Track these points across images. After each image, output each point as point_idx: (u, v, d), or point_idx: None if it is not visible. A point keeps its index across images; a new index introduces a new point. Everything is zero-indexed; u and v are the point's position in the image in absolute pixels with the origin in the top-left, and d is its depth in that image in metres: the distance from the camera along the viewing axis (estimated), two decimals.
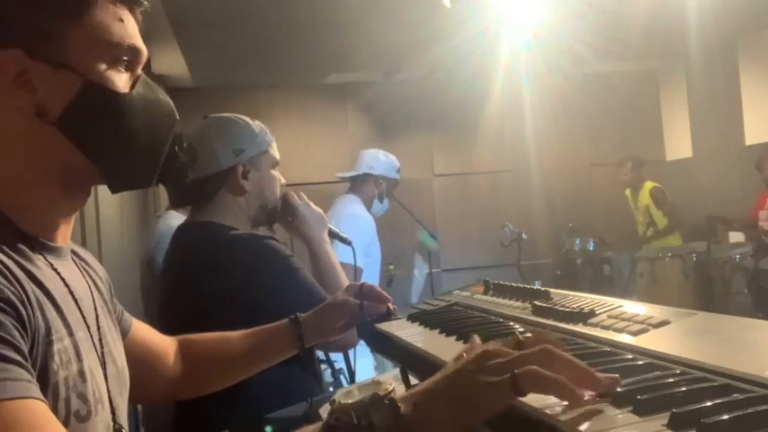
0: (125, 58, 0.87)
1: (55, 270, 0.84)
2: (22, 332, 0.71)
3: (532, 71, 6.14)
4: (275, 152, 1.76)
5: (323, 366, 1.87)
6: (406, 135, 6.88)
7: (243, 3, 4.51)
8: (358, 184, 3.42)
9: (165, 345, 1.22)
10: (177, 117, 0.94)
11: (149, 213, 4.85)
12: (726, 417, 0.55)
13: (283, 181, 1.80)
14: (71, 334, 0.81)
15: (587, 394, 0.63)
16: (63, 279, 0.85)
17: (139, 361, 1.08)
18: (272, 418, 1.37)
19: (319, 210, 1.86)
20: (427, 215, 5.87)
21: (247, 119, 1.74)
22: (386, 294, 1.34)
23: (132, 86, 0.88)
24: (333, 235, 1.90)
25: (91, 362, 0.83)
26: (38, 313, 0.75)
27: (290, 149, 6.82)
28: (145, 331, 1.18)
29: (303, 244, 1.83)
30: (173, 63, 5.52)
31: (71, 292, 0.85)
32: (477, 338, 0.77)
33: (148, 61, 0.93)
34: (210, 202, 1.68)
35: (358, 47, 5.56)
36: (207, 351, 1.28)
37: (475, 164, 7.21)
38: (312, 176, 6.41)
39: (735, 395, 0.60)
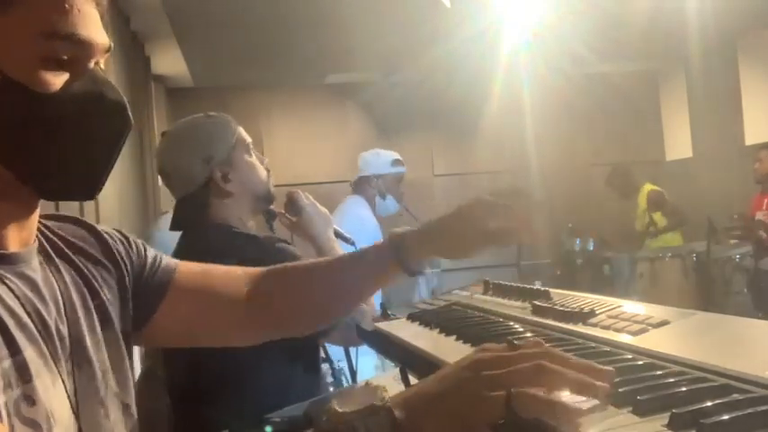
0: (66, 50, 0.75)
1: (3, 282, 0.75)
2: None
3: (532, 71, 6.13)
4: (243, 136, 1.66)
5: (324, 366, 1.86)
6: (406, 135, 6.88)
7: (243, 3, 4.51)
8: (359, 187, 3.58)
9: (234, 281, 1.08)
10: (130, 120, 0.80)
11: (149, 212, 4.85)
12: (726, 417, 0.55)
13: (266, 160, 1.73)
14: (14, 354, 0.71)
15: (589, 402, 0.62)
16: (12, 291, 0.75)
17: (197, 305, 1.02)
18: (272, 418, 1.36)
19: (325, 210, 1.86)
20: (427, 215, 5.83)
21: (204, 117, 1.65)
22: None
23: (69, 84, 0.75)
24: (337, 235, 1.90)
25: (46, 380, 0.74)
26: None
27: (290, 149, 6.83)
28: (197, 273, 1.06)
29: (309, 244, 1.83)
30: (173, 63, 5.50)
31: (22, 305, 0.75)
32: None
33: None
34: (208, 214, 1.64)
35: (358, 47, 5.56)
36: (310, 279, 1.11)
37: (475, 164, 7.20)
38: (312, 176, 6.40)
39: (734, 395, 0.60)
